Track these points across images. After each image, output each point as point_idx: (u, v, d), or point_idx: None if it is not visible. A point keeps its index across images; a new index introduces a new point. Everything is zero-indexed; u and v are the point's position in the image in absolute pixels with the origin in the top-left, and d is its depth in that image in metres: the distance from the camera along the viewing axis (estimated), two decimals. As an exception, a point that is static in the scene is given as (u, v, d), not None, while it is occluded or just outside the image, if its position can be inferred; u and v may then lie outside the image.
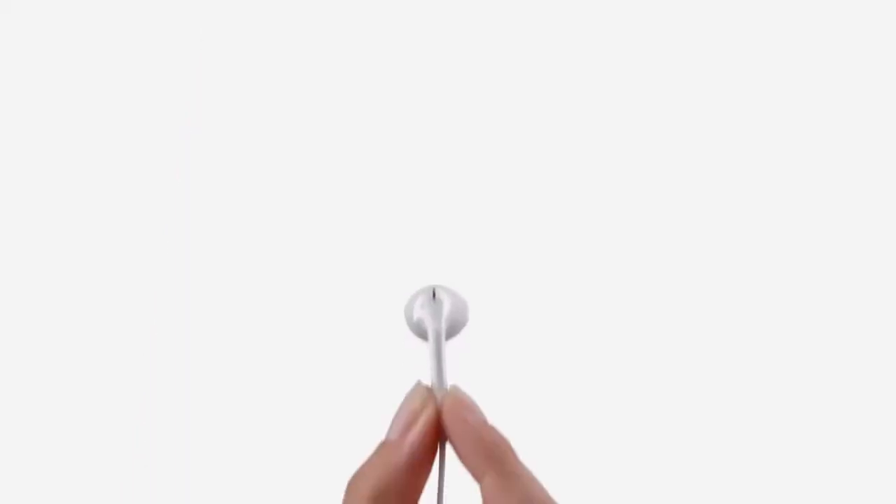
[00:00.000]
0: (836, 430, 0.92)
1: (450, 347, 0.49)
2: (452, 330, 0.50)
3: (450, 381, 0.48)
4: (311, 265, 0.92)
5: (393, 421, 0.47)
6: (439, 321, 0.49)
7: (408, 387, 0.48)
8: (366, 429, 0.50)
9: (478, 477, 0.46)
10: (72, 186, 0.93)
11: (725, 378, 0.94)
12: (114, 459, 0.89)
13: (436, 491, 0.48)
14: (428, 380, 0.48)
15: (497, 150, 0.95)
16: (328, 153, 0.94)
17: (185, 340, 0.91)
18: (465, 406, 0.47)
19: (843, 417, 0.92)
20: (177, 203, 0.92)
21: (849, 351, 0.93)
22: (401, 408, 0.47)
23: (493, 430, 0.46)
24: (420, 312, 0.49)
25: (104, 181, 0.93)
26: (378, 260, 0.90)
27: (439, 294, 0.50)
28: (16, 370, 0.90)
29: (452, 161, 0.94)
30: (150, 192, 0.93)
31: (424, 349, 0.49)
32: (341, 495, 0.46)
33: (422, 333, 0.50)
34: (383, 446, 0.47)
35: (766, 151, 0.95)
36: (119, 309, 0.91)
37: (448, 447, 0.47)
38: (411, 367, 0.50)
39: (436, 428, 0.47)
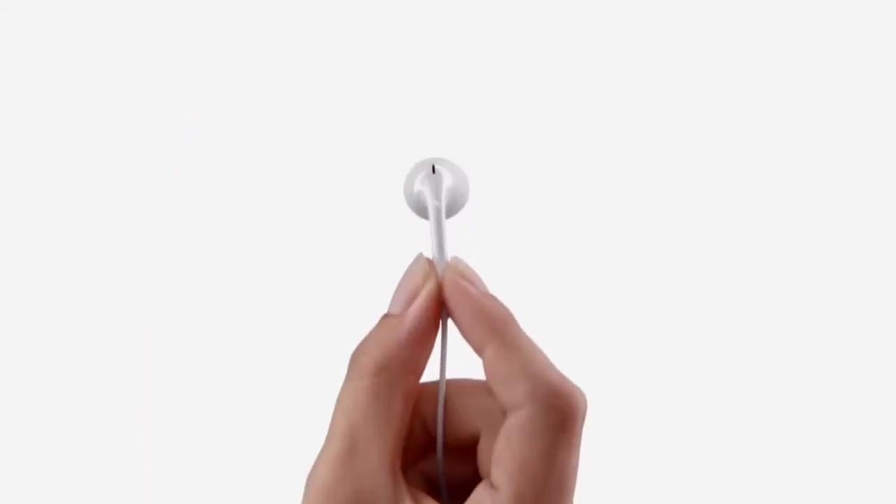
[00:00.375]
0: (836, 429, 0.93)
1: (450, 225, 0.49)
2: (453, 204, 0.49)
3: (450, 254, 0.48)
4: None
5: (394, 294, 0.47)
6: (439, 195, 0.49)
7: (409, 260, 0.48)
8: (368, 303, 0.50)
9: (480, 349, 0.46)
10: (71, 186, 0.93)
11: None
12: (114, 455, 0.90)
13: (438, 365, 0.48)
14: (429, 254, 0.48)
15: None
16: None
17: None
18: (466, 277, 0.46)
19: (844, 417, 0.93)
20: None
21: (849, 350, 0.93)
22: (402, 281, 0.47)
23: (494, 300, 0.46)
24: (420, 186, 0.49)
25: (104, 180, 0.93)
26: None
27: (439, 168, 0.49)
28: (16, 370, 0.91)
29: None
30: (146, 183, 0.92)
31: (425, 225, 0.49)
32: (344, 367, 0.46)
33: (421, 209, 0.49)
34: (385, 320, 0.46)
35: (781, 146, 0.94)
36: (111, 294, 0.92)
37: (450, 323, 0.47)
38: (413, 242, 0.49)
39: (437, 301, 0.46)
